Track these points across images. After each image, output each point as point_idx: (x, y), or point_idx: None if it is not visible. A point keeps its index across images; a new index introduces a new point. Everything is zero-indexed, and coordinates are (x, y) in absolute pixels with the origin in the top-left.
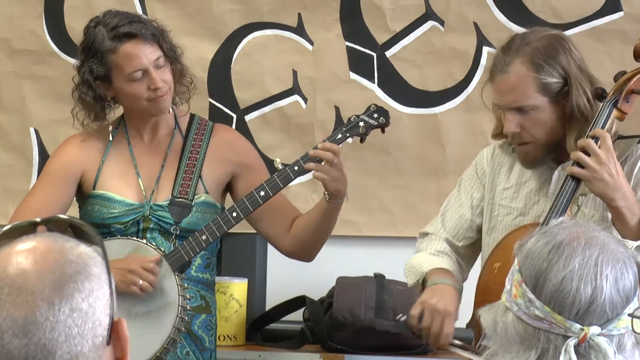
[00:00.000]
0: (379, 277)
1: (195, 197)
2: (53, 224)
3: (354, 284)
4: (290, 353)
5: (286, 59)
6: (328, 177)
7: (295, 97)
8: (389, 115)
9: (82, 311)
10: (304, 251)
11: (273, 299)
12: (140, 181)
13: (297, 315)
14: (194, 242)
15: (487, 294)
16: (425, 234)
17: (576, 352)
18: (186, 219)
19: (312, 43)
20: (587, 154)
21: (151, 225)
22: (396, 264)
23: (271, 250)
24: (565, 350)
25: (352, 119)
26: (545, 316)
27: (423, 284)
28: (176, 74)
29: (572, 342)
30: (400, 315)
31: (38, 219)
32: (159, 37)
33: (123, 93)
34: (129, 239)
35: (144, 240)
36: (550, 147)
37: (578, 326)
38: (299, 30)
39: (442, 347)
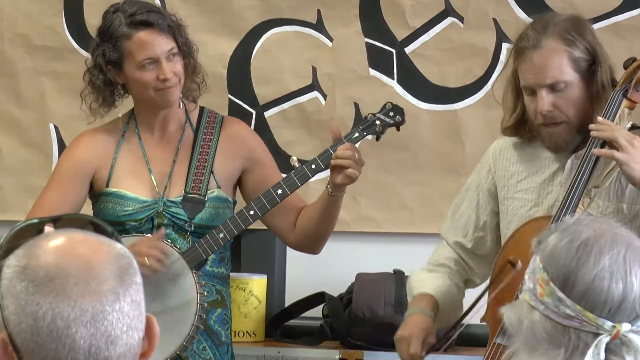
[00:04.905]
0: (398, 274)
1: (208, 192)
2: (70, 222)
3: (373, 280)
4: (309, 349)
5: (305, 55)
6: (356, 175)
7: (315, 94)
8: (404, 113)
9: (137, 303)
10: (310, 244)
11: (292, 295)
12: (152, 177)
13: (317, 311)
14: (211, 240)
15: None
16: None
17: (607, 348)
18: (200, 214)
19: (331, 39)
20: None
21: (165, 222)
22: (415, 261)
23: None
24: (596, 345)
25: (368, 117)
26: (577, 314)
27: None
28: (188, 69)
29: (605, 339)
30: None
31: (55, 215)
32: (174, 29)
33: (132, 80)
34: (144, 236)
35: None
36: (578, 129)
37: (610, 323)
38: (319, 26)
39: None
